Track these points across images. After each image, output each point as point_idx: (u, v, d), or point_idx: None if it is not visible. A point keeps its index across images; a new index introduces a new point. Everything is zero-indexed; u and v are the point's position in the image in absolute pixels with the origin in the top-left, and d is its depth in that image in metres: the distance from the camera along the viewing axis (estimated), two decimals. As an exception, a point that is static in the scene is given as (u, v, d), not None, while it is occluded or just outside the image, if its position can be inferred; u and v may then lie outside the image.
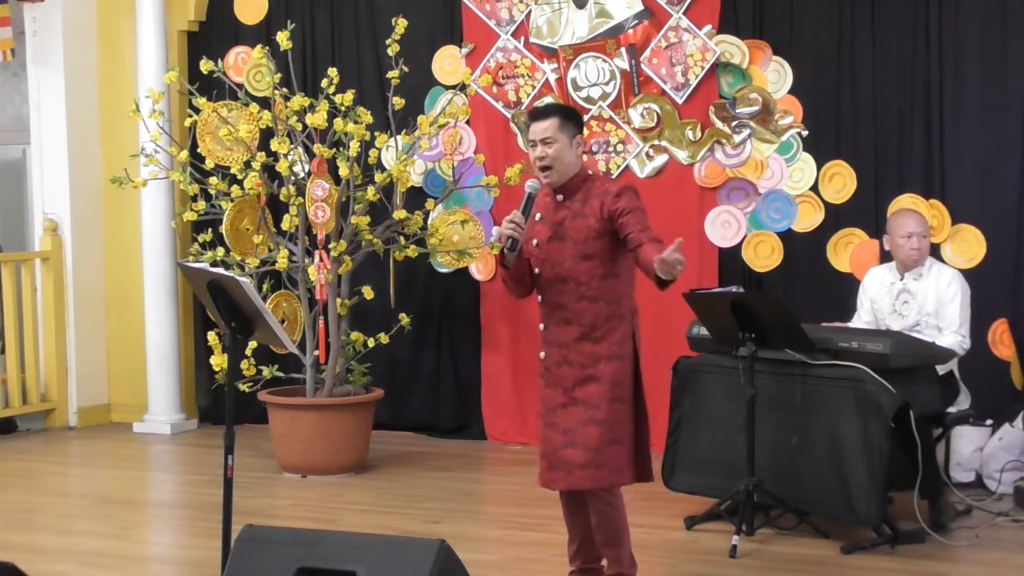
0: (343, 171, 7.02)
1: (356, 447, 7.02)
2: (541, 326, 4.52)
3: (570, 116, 4.51)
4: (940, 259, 6.41)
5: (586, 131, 7.50)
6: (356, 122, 6.98)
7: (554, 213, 4.45)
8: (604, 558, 4.60)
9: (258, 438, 7.66)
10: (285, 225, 7.32)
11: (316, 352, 7.07)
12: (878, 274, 6.12)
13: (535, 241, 4.47)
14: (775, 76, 7.21)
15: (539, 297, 4.51)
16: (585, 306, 4.40)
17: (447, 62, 7.90)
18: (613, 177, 7.48)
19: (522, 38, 7.72)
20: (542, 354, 4.51)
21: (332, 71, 7.16)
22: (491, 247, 7.50)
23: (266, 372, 7.23)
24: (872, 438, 5.24)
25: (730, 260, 7.32)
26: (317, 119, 6.87)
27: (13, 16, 8.36)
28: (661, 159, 7.45)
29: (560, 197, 4.46)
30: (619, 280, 4.44)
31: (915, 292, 5.88)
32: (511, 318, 7.77)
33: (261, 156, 7.09)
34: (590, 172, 4.56)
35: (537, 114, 4.50)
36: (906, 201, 6.75)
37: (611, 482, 4.40)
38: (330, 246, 6.95)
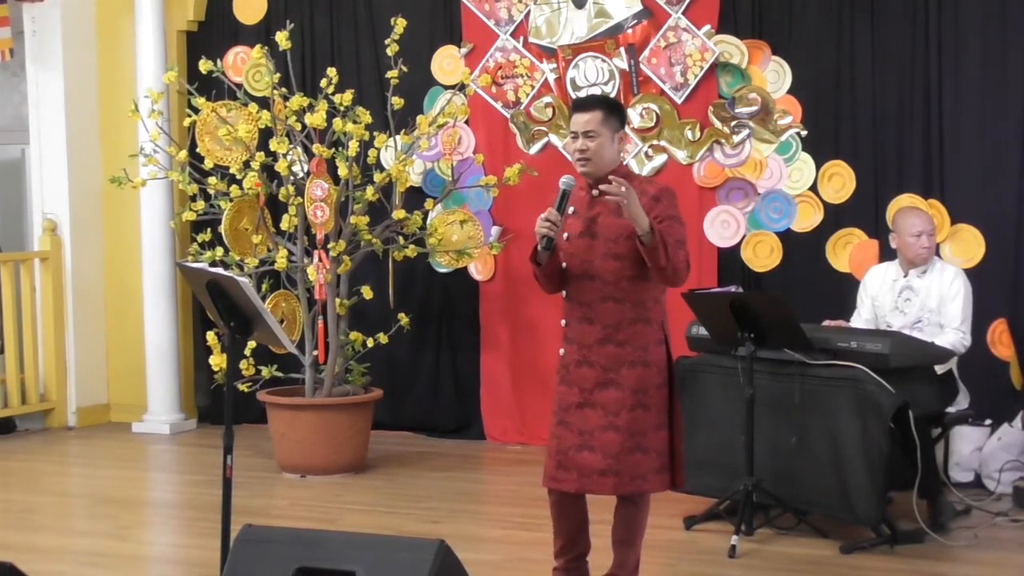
0: (342, 171, 7.02)
1: (355, 447, 7.02)
2: (563, 322, 4.41)
3: (614, 110, 4.39)
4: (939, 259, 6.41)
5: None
6: (355, 122, 6.98)
7: (588, 208, 4.35)
8: (587, 551, 4.56)
9: (257, 438, 7.66)
10: (284, 225, 7.32)
11: (315, 352, 7.07)
12: (880, 271, 6.12)
13: (566, 235, 4.35)
14: (774, 76, 7.21)
15: (564, 292, 4.40)
16: (610, 306, 4.29)
17: (446, 62, 7.90)
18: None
19: (521, 38, 7.72)
20: (561, 351, 4.41)
21: (331, 71, 7.16)
22: (490, 247, 7.50)
23: (265, 372, 7.23)
24: (871, 438, 5.24)
25: (729, 260, 7.32)
26: (316, 119, 6.87)
27: (12, 16, 8.35)
28: (660, 159, 7.45)
29: (596, 192, 4.34)
30: (648, 283, 4.33)
31: (918, 289, 5.88)
32: (510, 318, 7.77)
33: (260, 156, 7.09)
34: (628, 169, 4.51)
35: (581, 105, 4.40)
36: (905, 201, 6.75)
37: (631, 490, 4.33)
38: (329, 246, 6.94)
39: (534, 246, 4.30)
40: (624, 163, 4.50)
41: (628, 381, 4.29)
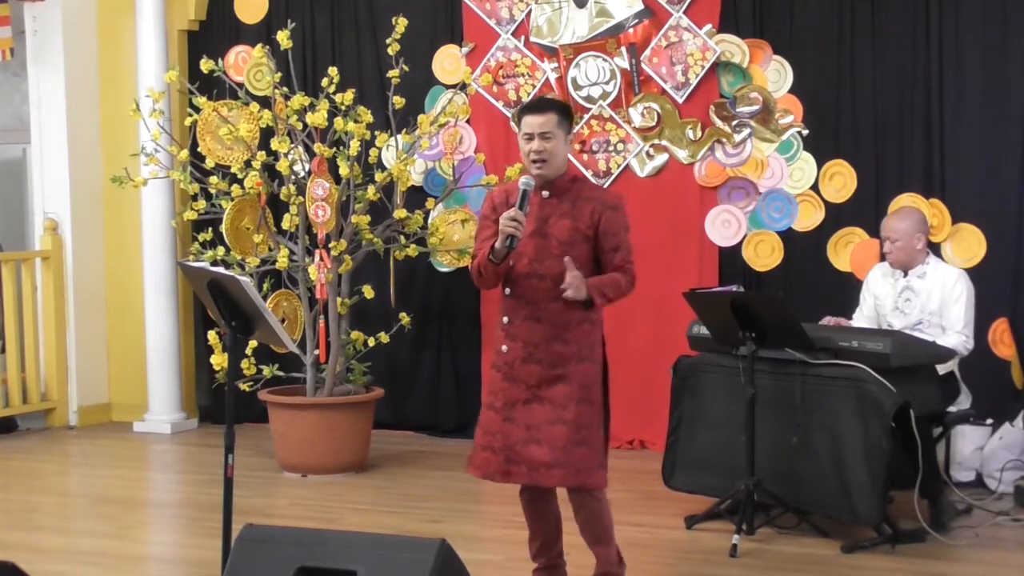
0: (343, 170, 7.02)
1: (356, 446, 7.02)
2: (505, 319, 4.45)
3: (566, 113, 4.49)
4: (941, 258, 6.39)
5: (586, 130, 7.52)
6: (356, 121, 6.98)
7: (539, 209, 4.40)
8: (566, 556, 4.63)
9: (258, 437, 7.66)
10: (285, 224, 7.32)
11: (316, 351, 7.07)
12: (883, 270, 6.11)
13: None
14: (775, 75, 7.21)
15: (506, 290, 4.44)
16: (559, 307, 4.35)
17: (447, 61, 7.90)
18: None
19: (522, 37, 7.72)
20: (504, 347, 4.44)
21: (332, 70, 7.16)
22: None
23: (266, 371, 7.23)
24: (872, 437, 5.23)
25: (730, 259, 7.32)
26: (317, 118, 6.87)
27: (13, 16, 8.36)
28: (661, 158, 7.45)
29: (546, 193, 4.42)
30: None
31: (918, 290, 5.86)
32: (511, 317, 7.75)
33: (261, 155, 7.09)
34: (577, 172, 4.55)
35: (535, 107, 4.45)
36: (906, 200, 6.75)
37: (576, 483, 4.38)
38: (330, 245, 6.95)
39: (491, 244, 4.33)
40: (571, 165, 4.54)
41: (575, 376, 4.37)
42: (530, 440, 4.36)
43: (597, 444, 4.40)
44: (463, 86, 7.49)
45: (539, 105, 4.49)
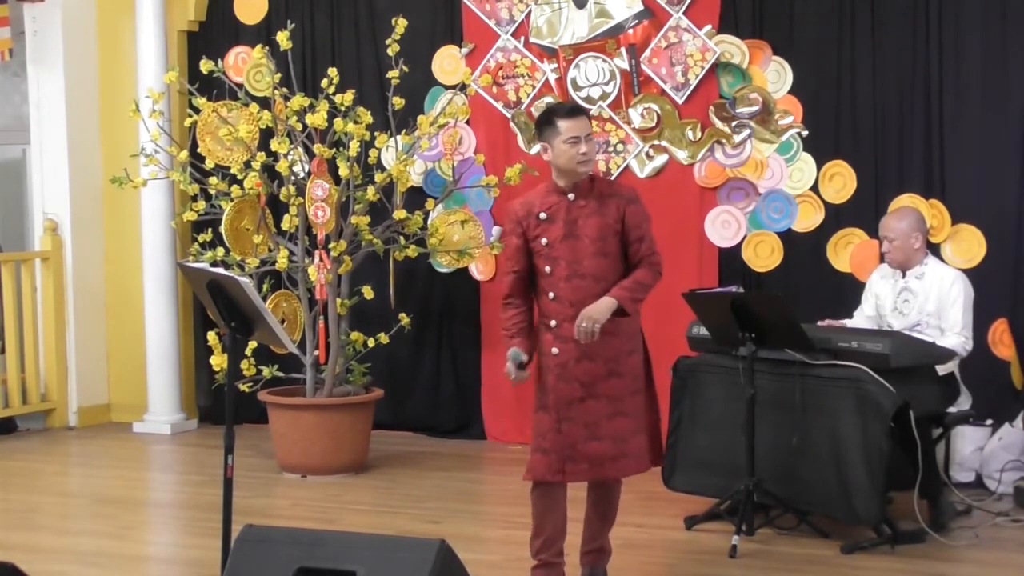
0: (343, 171, 7.02)
1: (356, 447, 7.02)
2: (552, 323, 4.57)
3: None
4: (941, 259, 6.39)
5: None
6: (356, 122, 6.98)
7: (566, 212, 4.55)
8: (565, 556, 4.68)
9: (258, 438, 7.66)
10: (285, 225, 7.33)
11: (316, 352, 7.07)
12: (882, 271, 6.11)
13: (544, 240, 4.55)
14: (775, 76, 7.21)
15: (549, 295, 4.56)
16: None
17: (447, 62, 7.90)
18: (612, 178, 7.50)
19: (522, 38, 7.72)
20: (555, 350, 4.56)
21: (332, 71, 7.16)
22: (491, 247, 7.49)
23: (266, 372, 7.23)
24: (872, 438, 5.24)
25: (730, 260, 7.32)
26: (317, 119, 6.87)
27: (13, 16, 8.36)
28: (661, 159, 7.45)
29: (572, 196, 4.57)
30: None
31: (916, 291, 5.86)
32: (511, 318, 7.75)
33: (261, 156, 7.10)
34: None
35: (577, 110, 4.64)
36: (905, 201, 6.75)
37: (635, 470, 4.61)
38: (330, 246, 6.95)
39: (514, 334, 4.62)
40: None
41: (627, 369, 4.57)
42: (591, 437, 4.52)
43: (646, 428, 4.63)
44: (463, 87, 7.49)
45: (578, 109, 4.70)
